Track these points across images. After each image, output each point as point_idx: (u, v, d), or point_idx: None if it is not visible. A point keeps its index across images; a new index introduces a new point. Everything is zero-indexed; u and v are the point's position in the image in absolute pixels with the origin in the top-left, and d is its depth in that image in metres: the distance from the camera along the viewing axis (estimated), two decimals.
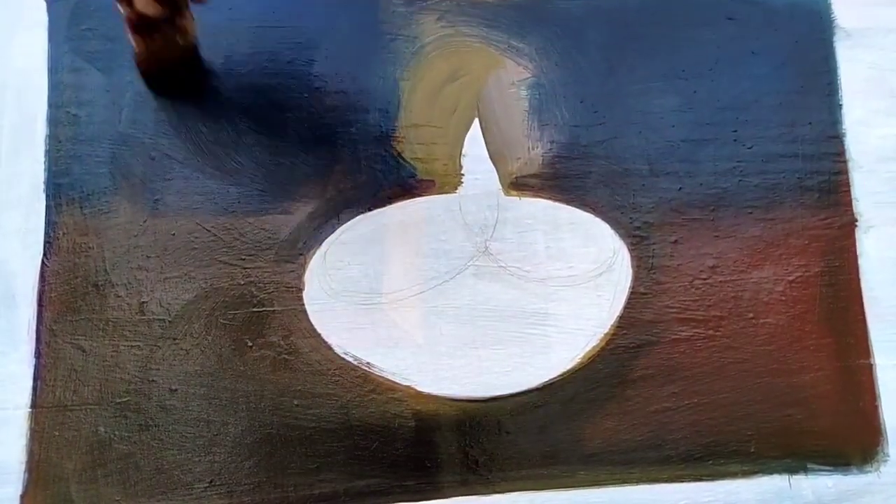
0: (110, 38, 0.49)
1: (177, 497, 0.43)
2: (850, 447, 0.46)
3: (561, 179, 0.49)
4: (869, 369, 0.47)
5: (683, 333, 0.47)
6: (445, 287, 0.47)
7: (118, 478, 0.43)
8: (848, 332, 0.48)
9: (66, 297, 0.45)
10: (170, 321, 0.45)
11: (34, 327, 0.45)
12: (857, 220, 0.49)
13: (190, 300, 0.46)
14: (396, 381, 0.45)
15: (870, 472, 0.46)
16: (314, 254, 0.47)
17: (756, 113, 0.50)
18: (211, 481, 0.43)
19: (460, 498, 0.45)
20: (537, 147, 0.49)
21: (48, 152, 0.47)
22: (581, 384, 0.46)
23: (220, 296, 0.46)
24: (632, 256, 0.48)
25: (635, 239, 0.48)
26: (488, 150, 0.49)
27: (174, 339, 0.45)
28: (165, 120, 0.48)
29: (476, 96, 0.50)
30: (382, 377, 0.45)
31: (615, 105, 0.50)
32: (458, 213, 0.48)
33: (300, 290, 0.46)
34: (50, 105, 0.48)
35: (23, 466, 0.43)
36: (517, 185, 0.49)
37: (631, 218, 0.49)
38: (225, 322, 0.45)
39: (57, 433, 0.44)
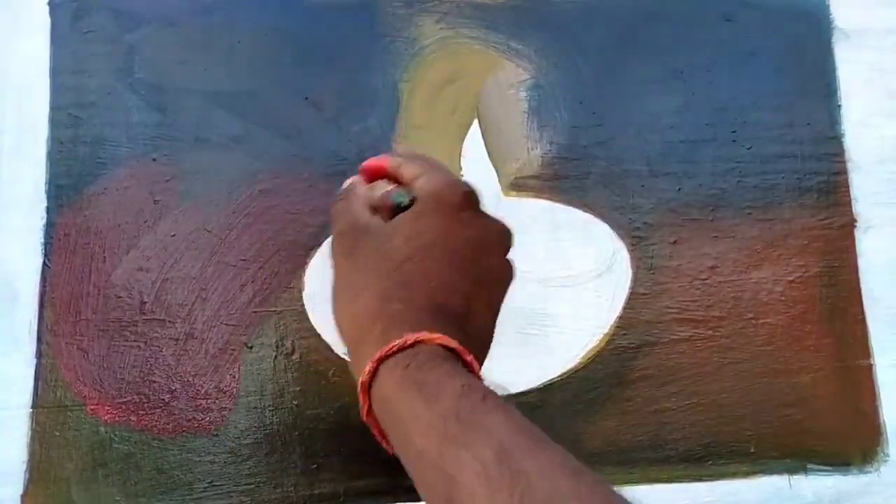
0: (112, 40, 0.49)
1: (177, 497, 0.43)
2: (850, 447, 0.46)
3: (560, 180, 0.49)
4: (869, 369, 0.47)
5: (683, 334, 0.47)
6: None
7: (118, 478, 0.43)
8: (847, 332, 0.48)
9: (67, 297, 0.46)
10: (170, 322, 0.45)
11: (35, 328, 0.45)
12: (856, 221, 0.49)
13: (190, 301, 0.46)
14: None
15: (870, 472, 0.46)
16: (315, 254, 0.47)
17: (755, 114, 0.51)
18: (211, 481, 0.44)
19: None
20: (536, 148, 0.49)
21: (50, 154, 0.47)
22: (581, 384, 0.46)
23: (220, 296, 0.46)
24: (631, 257, 0.48)
25: (635, 239, 0.48)
26: (488, 151, 0.49)
27: (175, 339, 0.45)
28: (167, 122, 0.48)
29: (475, 98, 0.50)
30: None
31: (614, 106, 0.50)
32: None
33: (300, 290, 0.46)
34: (52, 107, 0.48)
35: (24, 466, 0.43)
36: (517, 185, 0.49)
37: (630, 218, 0.49)
38: (225, 322, 0.46)
39: (58, 433, 0.44)
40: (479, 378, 0.34)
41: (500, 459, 0.28)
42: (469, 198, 0.37)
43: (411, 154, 0.41)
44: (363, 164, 0.40)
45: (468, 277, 0.36)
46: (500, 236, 0.38)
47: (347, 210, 0.38)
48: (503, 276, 0.38)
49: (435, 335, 0.33)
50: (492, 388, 0.33)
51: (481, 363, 0.36)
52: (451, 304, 0.35)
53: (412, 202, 0.37)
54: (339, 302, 0.37)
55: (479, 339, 0.36)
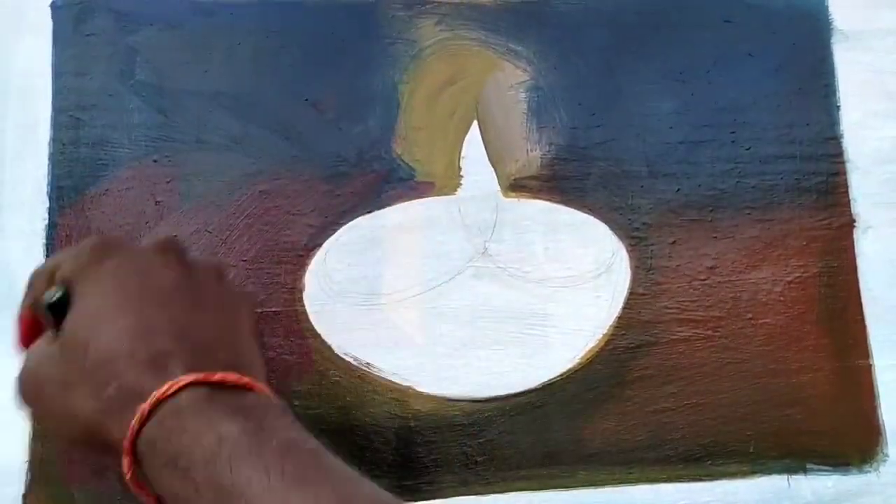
0: (113, 42, 0.49)
1: None
2: (850, 447, 0.46)
3: (559, 181, 0.49)
4: (868, 369, 0.47)
5: (682, 334, 0.47)
6: (445, 288, 0.47)
7: (119, 477, 0.43)
8: (847, 332, 0.48)
9: None
10: None
11: None
12: (855, 221, 0.49)
13: None
14: (396, 381, 0.46)
15: (869, 472, 0.46)
16: (314, 255, 0.47)
17: (754, 114, 0.51)
18: None
19: (460, 498, 0.45)
20: (536, 149, 0.49)
21: (51, 155, 0.48)
22: (580, 384, 0.46)
23: None
24: (630, 257, 0.48)
25: (634, 240, 0.48)
26: (487, 152, 0.49)
27: None
28: (168, 124, 0.48)
29: (475, 99, 0.50)
30: (382, 377, 0.46)
31: (613, 107, 0.50)
32: (458, 214, 0.48)
33: (300, 290, 0.46)
34: (53, 109, 0.48)
35: (25, 466, 0.43)
36: (516, 186, 0.49)
37: (629, 219, 0.49)
38: None
39: None
40: (243, 384, 0.32)
41: None
42: (101, 249, 0.34)
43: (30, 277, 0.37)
44: (19, 343, 0.37)
45: (150, 309, 0.33)
46: (157, 252, 0.35)
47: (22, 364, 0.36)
48: (193, 276, 0.35)
49: (165, 387, 0.30)
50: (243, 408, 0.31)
51: (243, 356, 0.34)
52: (158, 342, 0.32)
53: (64, 292, 0.34)
54: (64, 435, 0.35)
55: (217, 342, 0.34)
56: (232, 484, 0.28)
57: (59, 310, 0.34)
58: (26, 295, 0.36)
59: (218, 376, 0.31)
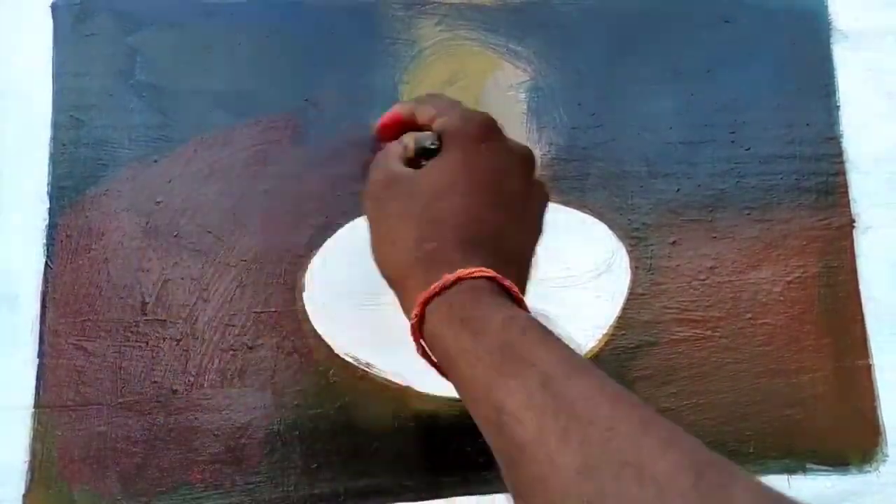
0: (113, 42, 0.49)
1: (177, 497, 0.43)
2: (849, 447, 0.46)
3: (559, 181, 0.49)
4: (867, 369, 0.47)
5: (682, 334, 0.47)
6: None
7: (119, 477, 0.43)
8: (846, 332, 0.48)
9: (69, 298, 0.46)
10: (171, 322, 0.46)
11: (37, 328, 0.45)
12: (854, 221, 0.50)
13: (191, 301, 0.46)
14: (396, 381, 0.46)
15: (869, 472, 0.46)
16: (315, 255, 0.47)
17: (753, 115, 0.51)
18: (211, 481, 0.44)
19: (460, 498, 0.45)
20: (536, 149, 0.49)
21: (52, 156, 0.48)
22: None
23: (220, 296, 0.46)
24: (630, 257, 0.48)
25: (634, 240, 0.49)
26: None
27: (176, 339, 0.45)
28: (168, 124, 0.48)
29: (475, 99, 0.50)
30: (382, 377, 0.46)
31: (613, 107, 0.50)
32: None
33: (300, 290, 0.46)
34: (54, 109, 0.48)
35: (25, 466, 0.43)
36: None
37: (629, 219, 0.49)
38: (226, 322, 0.46)
39: (59, 433, 0.44)
40: (519, 299, 0.35)
41: (544, 387, 0.30)
42: (487, 128, 0.38)
43: (422, 97, 0.41)
44: (377, 124, 0.41)
45: (494, 205, 0.37)
46: (522, 160, 0.39)
47: (379, 163, 0.40)
48: (530, 196, 0.39)
49: (471, 269, 0.34)
50: (533, 314, 0.34)
51: (522, 283, 0.38)
52: (482, 234, 0.36)
53: (439, 146, 0.38)
54: (378, 251, 0.39)
55: (515, 261, 0.38)
56: (523, 349, 0.31)
57: (427, 152, 0.38)
58: (408, 101, 0.41)
59: (508, 283, 0.35)
